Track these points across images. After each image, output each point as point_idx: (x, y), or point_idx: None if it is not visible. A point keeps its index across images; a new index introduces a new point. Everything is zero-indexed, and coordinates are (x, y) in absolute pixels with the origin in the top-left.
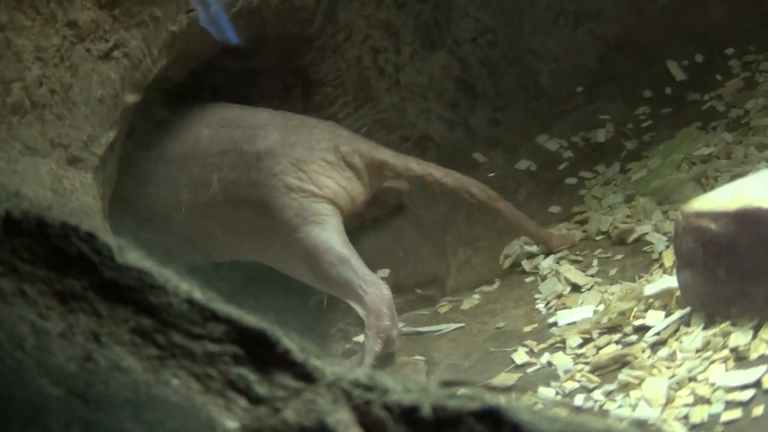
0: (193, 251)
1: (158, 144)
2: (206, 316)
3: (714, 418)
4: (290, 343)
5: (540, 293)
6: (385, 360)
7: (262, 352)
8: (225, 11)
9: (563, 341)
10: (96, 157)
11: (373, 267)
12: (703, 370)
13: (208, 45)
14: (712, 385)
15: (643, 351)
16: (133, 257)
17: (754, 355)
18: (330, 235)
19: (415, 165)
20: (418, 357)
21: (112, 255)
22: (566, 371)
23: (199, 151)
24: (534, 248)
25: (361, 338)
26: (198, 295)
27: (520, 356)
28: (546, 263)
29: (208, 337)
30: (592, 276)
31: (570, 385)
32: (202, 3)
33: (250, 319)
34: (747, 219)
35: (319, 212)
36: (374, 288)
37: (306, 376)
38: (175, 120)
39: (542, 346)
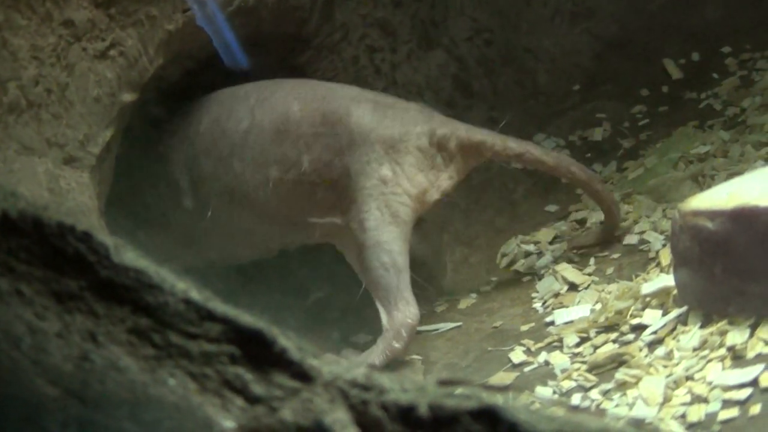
0: (270, 231)
1: (238, 115)
2: (203, 316)
3: (711, 416)
4: (287, 342)
5: (537, 292)
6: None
7: (259, 352)
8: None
9: (560, 340)
10: (92, 156)
11: None
12: (700, 369)
13: (204, 44)
14: (710, 383)
15: (640, 350)
16: (130, 257)
17: (751, 354)
18: (396, 240)
19: (514, 144)
20: (415, 356)
21: (108, 254)
22: (563, 370)
23: (291, 127)
24: (531, 247)
25: (358, 339)
26: (195, 294)
27: (518, 355)
28: (543, 262)
29: (204, 336)
30: (589, 275)
31: (567, 384)
32: (198, 2)
33: (247, 318)
34: (744, 217)
35: (398, 214)
36: (407, 309)
37: (303, 375)
38: (259, 91)
39: (539, 345)
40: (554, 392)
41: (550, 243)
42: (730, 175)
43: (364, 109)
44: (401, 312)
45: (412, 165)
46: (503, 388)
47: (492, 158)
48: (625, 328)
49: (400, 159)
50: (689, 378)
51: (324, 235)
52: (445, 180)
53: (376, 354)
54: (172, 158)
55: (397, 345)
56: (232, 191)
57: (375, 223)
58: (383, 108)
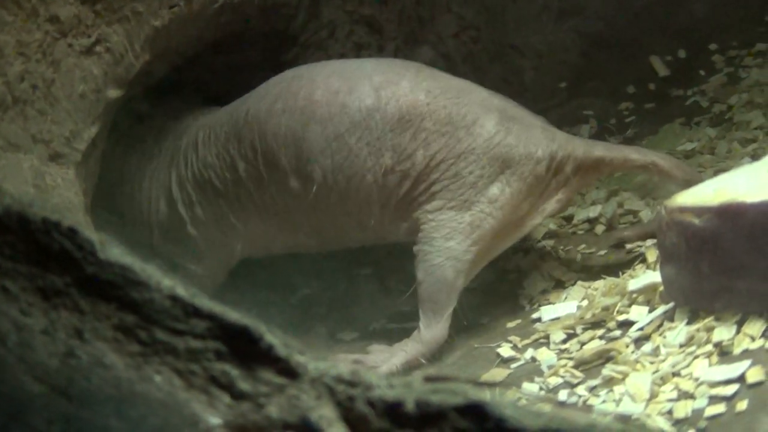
0: (367, 219)
1: (361, 92)
2: (189, 312)
3: (698, 413)
4: (274, 338)
5: (524, 289)
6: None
7: (245, 348)
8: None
9: (547, 337)
10: (78, 152)
11: (357, 264)
12: (687, 365)
13: (191, 40)
14: (696, 380)
15: (627, 346)
16: (116, 253)
17: (737, 350)
18: (470, 261)
19: (636, 155)
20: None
21: (94, 251)
22: (550, 366)
23: (415, 119)
24: (517, 244)
25: (345, 336)
26: (181, 290)
27: (505, 352)
28: (530, 259)
29: (190, 333)
30: (576, 272)
31: (554, 381)
32: None
33: (234, 315)
34: (730, 214)
35: (485, 237)
36: (441, 330)
37: (289, 371)
38: (385, 72)
39: (526, 341)
40: (541, 388)
41: (538, 240)
42: (717, 172)
43: (490, 120)
44: (439, 330)
45: (522, 192)
46: (490, 385)
47: (611, 172)
48: (611, 324)
49: (513, 183)
50: (676, 374)
51: (409, 233)
52: (552, 204)
53: (400, 359)
54: (266, 129)
55: (422, 359)
56: (340, 170)
57: (459, 237)
58: (509, 121)
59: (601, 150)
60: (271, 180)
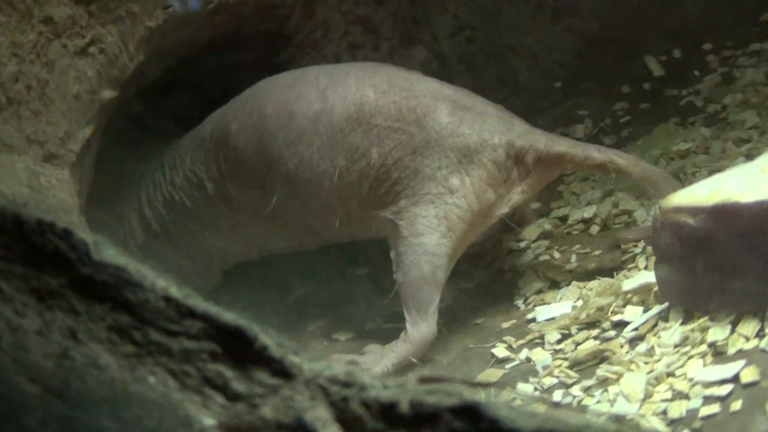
0: (328, 221)
1: (308, 98)
2: (183, 313)
3: (692, 413)
4: (268, 339)
5: (519, 289)
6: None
7: (239, 349)
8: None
9: (542, 337)
10: (73, 153)
11: (352, 264)
12: (682, 365)
13: (186, 41)
14: (691, 380)
15: (622, 346)
16: (110, 254)
17: (732, 350)
18: (445, 255)
19: (596, 153)
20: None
21: (88, 252)
22: (545, 367)
23: (364, 117)
24: (513, 245)
25: (340, 336)
26: (175, 291)
27: (500, 352)
28: (524, 259)
29: (185, 334)
30: (571, 272)
31: (548, 381)
32: None
33: (228, 315)
34: (725, 214)
35: (455, 228)
36: (428, 327)
37: (284, 372)
38: (331, 74)
39: (521, 342)
40: (535, 389)
41: (533, 241)
42: (712, 172)
43: (442, 111)
44: (427, 327)
45: (483, 179)
46: (484, 385)
47: (571, 170)
48: (606, 324)
49: (472, 171)
50: (670, 374)
51: (378, 230)
52: (517, 194)
53: (391, 360)
54: (227, 149)
55: (413, 358)
56: (296, 177)
57: (429, 232)
58: (462, 110)
59: (563, 145)
60: (238, 195)
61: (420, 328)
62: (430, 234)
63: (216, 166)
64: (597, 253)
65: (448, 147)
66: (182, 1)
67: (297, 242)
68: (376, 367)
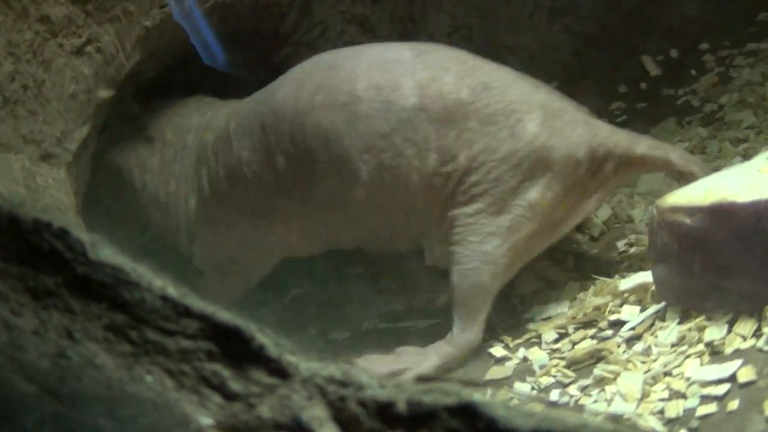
0: (411, 220)
1: (404, 89)
2: (180, 312)
3: (689, 412)
4: (265, 338)
5: (515, 288)
6: None
7: (236, 348)
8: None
9: (539, 336)
10: (69, 153)
11: (348, 263)
12: (679, 365)
13: (182, 40)
14: (688, 379)
15: (619, 346)
16: (107, 253)
17: (729, 350)
18: (507, 266)
19: (677, 159)
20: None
21: (85, 251)
22: (542, 366)
23: (459, 119)
24: None
25: (337, 335)
26: (172, 290)
27: (497, 351)
28: None
29: (182, 333)
30: (568, 271)
31: (545, 380)
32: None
33: (225, 315)
34: (721, 213)
35: (522, 240)
36: (474, 333)
37: (281, 372)
38: (428, 67)
39: (518, 341)
40: (532, 388)
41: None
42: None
43: (533, 120)
44: (473, 334)
45: (561, 193)
46: (481, 385)
47: (647, 171)
48: (603, 324)
49: (554, 185)
50: (667, 374)
51: (447, 233)
52: (592, 204)
53: (433, 362)
54: (306, 123)
55: (454, 363)
56: (388, 170)
57: (497, 241)
58: (552, 118)
59: (643, 148)
60: (313, 176)
61: (466, 333)
62: (497, 244)
63: (290, 141)
64: (594, 252)
65: (536, 159)
66: (178, 0)
67: (365, 240)
68: (416, 367)
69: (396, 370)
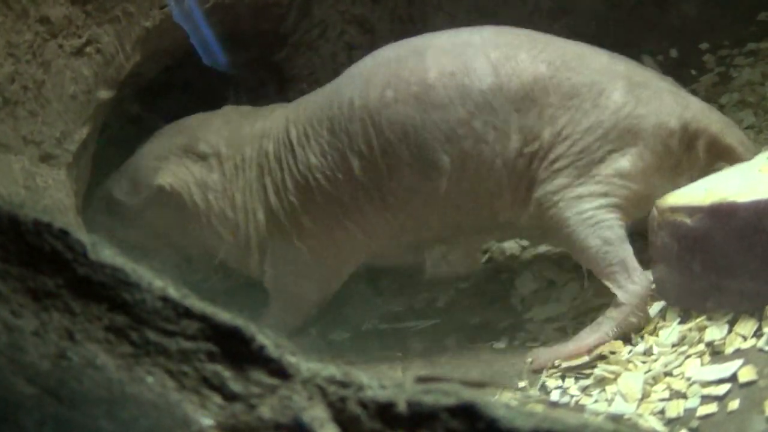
0: (497, 205)
1: (477, 71)
2: (180, 313)
3: (690, 412)
4: (265, 339)
5: (516, 289)
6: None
7: (237, 349)
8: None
9: (539, 336)
10: (69, 153)
11: None
12: (679, 365)
13: (182, 40)
14: (688, 379)
15: (619, 346)
16: (107, 254)
17: (729, 350)
18: (616, 224)
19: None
20: (393, 353)
21: (85, 252)
22: None
23: (538, 96)
24: (510, 244)
25: (336, 336)
26: (172, 291)
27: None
28: (521, 259)
29: (182, 334)
30: (568, 271)
31: (546, 380)
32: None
33: (225, 315)
34: (721, 213)
35: (619, 205)
36: (636, 283)
37: (281, 372)
38: (499, 46)
39: (518, 341)
40: (533, 388)
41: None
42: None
43: (617, 89)
44: (635, 284)
45: (654, 164)
46: (482, 385)
47: (731, 163)
48: None
49: (645, 155)
50: (668, 374)
51: (535, 219)
52: (683, 180)
53: (609, 327)
54: (380, 121)
55: (634, 320)
56: (470, 157)
57: (595, 211)
58: (637, 89)
59: (734, 139)
60: (392, 174)
61: (629, 288)
62: (596, 208)
63: (364, 141)
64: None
65: (623, 128)
66: (179, 1)
67: (450, 234)
68: (592, 336)
69: (573, 349)
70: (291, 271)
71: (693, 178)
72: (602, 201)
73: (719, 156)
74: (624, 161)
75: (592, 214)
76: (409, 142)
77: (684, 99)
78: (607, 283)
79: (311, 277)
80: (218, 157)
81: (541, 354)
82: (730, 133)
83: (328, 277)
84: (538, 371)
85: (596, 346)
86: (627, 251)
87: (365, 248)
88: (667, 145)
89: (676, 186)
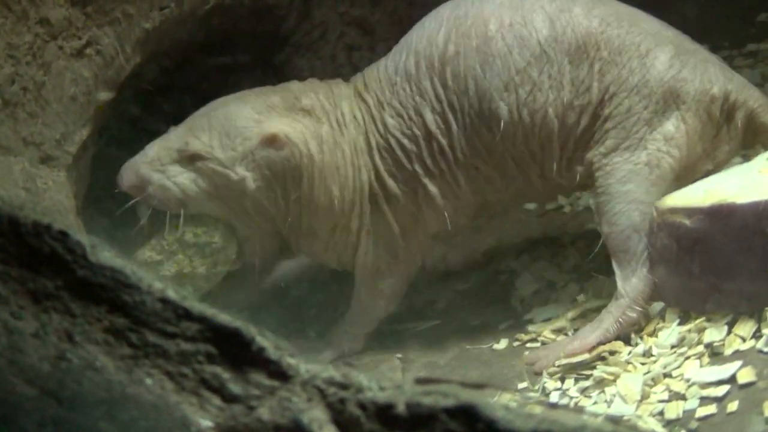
0: (549, 165)
1: (534, 22)
2: (180, 315)
3: (689, 413)
4: (265, 341)
5: (515, 290)
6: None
7: (236, 351)
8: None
9: (539, 338)
10: (69, 155)
11: None
12: (678, 366)
13: (181, 42)
14: (687, 380)
15: (619, 347)
16: (106, 255)
17: (728, 351)
18: (650, 201)
19: None
20: (393, 354)
21: (85, 253)
22: None
23: (591, 49)
24: (509, 247)
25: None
26: (172, 293)
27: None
28: (521, 260)
29: (181, 335)
30: (567, 272)
31: (545, 381)
32: None
33: (224, 317)
34: (721, 214)
35: (665, 177)
36: (640, 278)
37: (281, 374)
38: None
39: (518, 343)
40: (533, 389)
41: (529, 241)
42: (708, 172)
43: (665, 52)
44: (639, 279)
45: (697, 130)
46: (481, 386)
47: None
48: None
49: (689, 119)
50: (667, 375)
51: (582, 180)
52: (723, 153)
53: (609, 323)
54: (445, 76)
55: (632, 314)
56: (525, 105)
57: (639, 180)
58: (684, 54)
59: None
60: (460, 127)
61: (631, 281)
62: (639, 182)
63: (434, 95)
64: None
65: (668, 90)
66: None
67: (504, 195)
68: (594, 334)
69: (575, 347)
70: (387, 239)
71: (731, 154)
72: (647, 173)
73: (756, 133)
74: (669, 125)
75: (633, 189)
76: (471, 92)
77: (728, 72)
78: (615, 267)
79: (400, 246)
80: (323, 111)
81: (542, 354)
82: (766, 113)
83: (416, 245)
84: (539, 373)
85: (598, 344)
86: (644, 244)
87: (442, 217)
88: (710, 111)
89: (716, 161)
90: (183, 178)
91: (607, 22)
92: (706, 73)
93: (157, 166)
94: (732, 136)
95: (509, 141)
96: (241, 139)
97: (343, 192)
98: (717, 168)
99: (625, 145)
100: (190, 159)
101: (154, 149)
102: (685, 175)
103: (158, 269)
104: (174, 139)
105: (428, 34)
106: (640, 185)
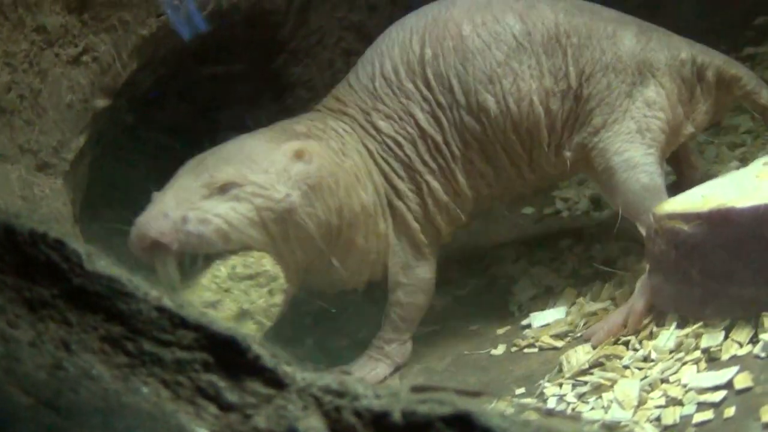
0: (537, 154)
1: (506, 19)
2: (176, 323)
3: (686, 419)
4: (261, 349)
5: (513, 295)
6: None
7: (232, 359)
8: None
9: (536, 343)
10: (66, 162)
11: None
12: (675, 372)
13: (178, 49)
14: (684, 386)
15: (619, 352)
16: (103, 264)
17: (725, 356)
18: (655, 162)
19: (766, 95)
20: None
21: (81, 262)
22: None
23: (561, 38)
24: (507, 250)
25: (332, 344)
26: (168, 301)
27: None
28: (519, 265)
29: (178, 344)
30: (565, 277)
31: (543, 387)
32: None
33: (220, 325)
34: (719, 220)
35: (658, 139)
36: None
37: (277, 382)
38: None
39: (516, 348)
40: (529, 396)
41: (528, 247)
42: (705, 177)
43: (629, 30)
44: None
45: (673, 92)
46: (477, 394)
47: (740, 99)
48: None
49: (666, 83)
50: (664, 380)
51: (577, 162)
52: (701, 114)
53: (646, 296)
54: (428, 78)
55: (638, 305)
56: (510, 94)
57: (633, 146)
58: (647, 31)
59: (740, 71)
60: (451, 123)
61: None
62: (635, 148)
63: (421, 96)
64: (591, 257)
65: (641, 61)
66: (176, 10)
67: (497, 188)
68: (641, 300)
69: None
70: (407, 241)
71: (708, 115)
72: (639, 139)
73: (728, 87)
74: (648, 91)
75: (632, 156)
76: (456, 90)
77: (689, 40)
78: (641, 228)
79: (416, 237)
80: (319, 130)
81: (598, 329)
82: (734, 65)
83: (433, 243)
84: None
85: (646, 308)
86: (653, 203)
87: (452, 211)
88: (682, 74)
89: (696, 123)
90: (222, 209)
91: (572, 13)
92: (671, 42)
93: (188, 206)
94: (706, 96)
95: (499, 131)
96: (268, 161)
97: (369, 195)
98: (698, 130)
99: (612, 119)
100: (222, 190)
101: (171, 196)
102: (672, 140)
103: (218, 308)
104: (192, 178)
105: (400, 41)
106: (637, 150)
